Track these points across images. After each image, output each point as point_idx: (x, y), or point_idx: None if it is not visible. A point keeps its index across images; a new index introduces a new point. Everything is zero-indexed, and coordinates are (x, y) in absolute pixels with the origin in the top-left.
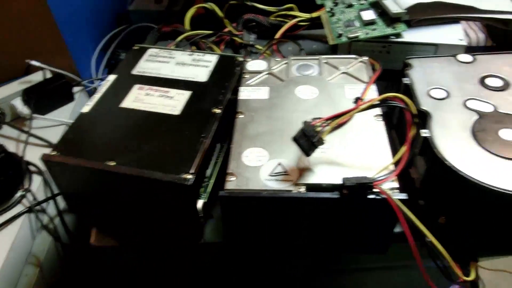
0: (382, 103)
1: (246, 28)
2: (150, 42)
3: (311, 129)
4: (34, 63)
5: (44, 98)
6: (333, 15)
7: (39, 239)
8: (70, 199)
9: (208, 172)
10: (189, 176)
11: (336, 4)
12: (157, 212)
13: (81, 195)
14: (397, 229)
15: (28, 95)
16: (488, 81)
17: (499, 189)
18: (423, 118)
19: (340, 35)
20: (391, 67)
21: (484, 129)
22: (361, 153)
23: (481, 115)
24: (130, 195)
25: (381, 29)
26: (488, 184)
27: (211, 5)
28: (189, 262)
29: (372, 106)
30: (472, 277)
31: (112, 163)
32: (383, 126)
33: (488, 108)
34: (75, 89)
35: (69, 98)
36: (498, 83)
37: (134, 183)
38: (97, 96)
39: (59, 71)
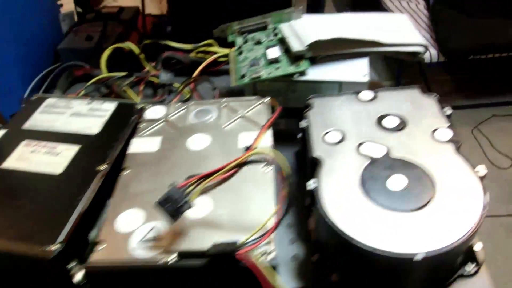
0: (251, 161)
1: (167, 66)
2: (61, 88)
3: (177, 192)
4: None
5: None
6: (241, 53)
7: None
8: None
9: (94, 233)
10: (54, 248)
11: (246, 41)
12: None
13: None
14: None
15: None
16: (385, 121)
17: (376, 250)
18: (316, 165)
19: (243, 76)
20: (301, 105)
21: (373, 176)
22: (244, 210)
23: (373, 160)
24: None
25: (284, 68)
26: (365, 245)
27: (127, 45)
28: None
29: (239, 166)
30: None
31: None
32: (269, 178)
33: (380, 152)
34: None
35: None
36: (395, 122)
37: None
38: None
39: None
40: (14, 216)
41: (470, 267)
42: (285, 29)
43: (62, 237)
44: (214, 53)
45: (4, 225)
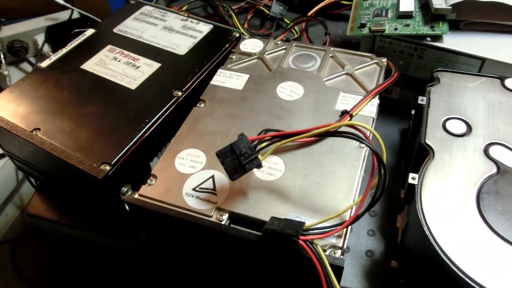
0: (343, 133)
1: None
2: None
3: (246, 146)
4: (59, 1)
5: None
6: None
7: (27, 184)
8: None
9: (156, 162)
10: (106, 167)
11: None
12: (90, 196)
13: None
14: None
15: (51, 33)
16: None
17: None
18: (424, 155)
19: (363, 25)
20: (422, 76)
21: (496, 192)
22: (318, 187)
23: (502, 169)
24: (62, 170)
25: (415, 27)
26: (472, 279)
27: None
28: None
29: (328, 134)
30: None
31: (37, 133)
32: (360, 158)
33: None
34: None
35: None
36: None
37: (57, 159)
38: (63, 51)
39: (86, 13)
40: (80, 125)
41: None
42: None
43: (115, 159)
44: None
45: (70, 129)
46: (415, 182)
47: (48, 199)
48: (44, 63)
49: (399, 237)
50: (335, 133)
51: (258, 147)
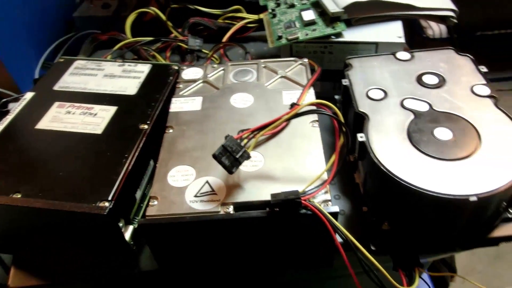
0: (309, 111)
1: (193, 32)
2: (85, 52)
3: (234, 143)
4: None
5: None
6: (274, 16)
7: None
8: None
9: (139, 194)
10: (106, 204)
11: (278, 5)
12: (85, 242)
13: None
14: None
15: None
16: (425, 78)
17: (433, 193)
18: (361, 121)
19: (280, 37)
20: (335, 68)
21: (419, 129)
22: (295, 164)
23: (417, 114)
24: (49, 227)
25: (320, 29)
26: (422, 188)
27: (153, 10)
28: None
29: (297, 115)
30: (414, 285)
31: (18, 196)
32: (317, 133)
33: (424, 107)
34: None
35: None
36: (434, 80)
37: (45, 215)
38: (9, 117)
39: None
40: (61, 175)
41: None
42: None
43: (111, 195)
44: (242, 19)
45: (51, 184)
46: (364, 139)
47: (29, 267)
48: None
49: (361, 189)
50: (303, 113)
51: (242, 143)
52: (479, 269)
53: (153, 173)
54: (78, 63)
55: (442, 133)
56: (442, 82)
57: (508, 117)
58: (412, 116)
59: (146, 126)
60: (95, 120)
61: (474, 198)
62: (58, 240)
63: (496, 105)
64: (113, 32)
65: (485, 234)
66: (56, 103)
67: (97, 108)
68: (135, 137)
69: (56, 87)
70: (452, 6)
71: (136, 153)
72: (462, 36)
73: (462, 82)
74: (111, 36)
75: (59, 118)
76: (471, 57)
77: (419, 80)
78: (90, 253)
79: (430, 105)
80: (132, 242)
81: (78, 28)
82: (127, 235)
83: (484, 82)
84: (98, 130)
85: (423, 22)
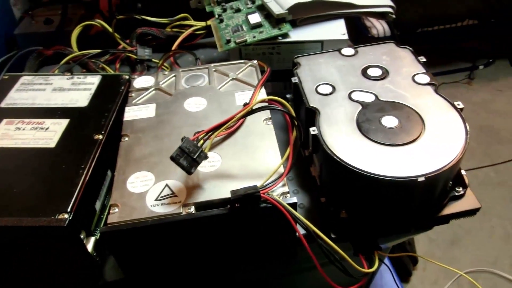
0: (262, 108)
1: (142, 42)
2: (30, 69)
3: (191, 144)
4: None
5: None
6: (221, 21)
7: None
8: None
9: (98, 205)
10: (65, 216)
11: (224, 10)
12: (46, 259)
13: None
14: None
15: None
16: (369, 71)
17: (384, 177)
18: (313, 115)
19: (228, 41)
20: (285, 67)
21: (367, 119)
22: (252, 161)
23: (364, 105)
24: (9, 247)
25: (267, 31)
26: (374, 174)
27: (99, 22)
28: None
29: (250, 112)
30: (375, 267)
31: None
32: (271, 130)
33: (370, 98)
34: None
35: None
36: (378, 72)
37: (2, 234)
38: None
39: None
40: (15, 192)
41: (459, 189)
42: None
43: (70, 206)
44: (190, 26)
45: (6, 201)
46: (316, 132)
47: None
48: None
49: (318, 181)
50: (256, 110)
51: (199, 144)
52: (438, 255)
53: (112, 184)
54: (25, 79)
55: (389, 121)
56: (385, 73)
57: (447, 102)
58: (360, 107)
59: (100, 136)
60: (47, 134)
61: (422, 179)
62: (19, 260)
63: (436, 91)
64: (59, 47)
65: (436, 213)
66: (4, 120)
67: (48, 122)
68: (90, 148)
69: (3, 105)
70: (390, 3)
71: (93, 164)
72: (404, 33)
73: (403, 73)
74: (56, 50)
75: (8, 135)
76: (411, 49)
77: (364, 73)
78: (54, 272)
79: (376, 96)
80: (95, 254)
81: (20, 46)
82: (90, 247)
83: (424, 71)
84: (51, 143)
85: (367, 22)
